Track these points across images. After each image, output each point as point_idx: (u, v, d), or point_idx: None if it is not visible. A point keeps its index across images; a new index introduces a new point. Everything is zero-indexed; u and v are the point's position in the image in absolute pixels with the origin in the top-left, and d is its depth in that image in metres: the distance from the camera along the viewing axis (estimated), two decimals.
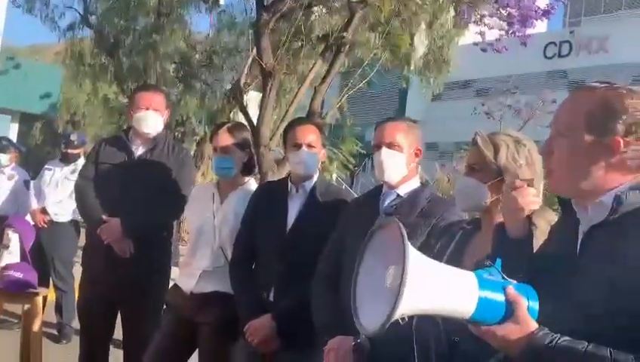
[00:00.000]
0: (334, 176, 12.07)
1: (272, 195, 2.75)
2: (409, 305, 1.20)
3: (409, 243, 1.21)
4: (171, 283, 3.18)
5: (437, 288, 1.26)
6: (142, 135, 3.21)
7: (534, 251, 1.55)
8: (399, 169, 2.34)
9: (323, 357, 2.26)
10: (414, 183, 2.39)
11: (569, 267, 1.41)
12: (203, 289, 2.82)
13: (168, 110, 3.37)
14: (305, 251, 2.52)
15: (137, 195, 3.07)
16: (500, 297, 1.29)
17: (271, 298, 2.59)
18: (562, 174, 1.41)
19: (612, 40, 19.32)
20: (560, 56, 20.75)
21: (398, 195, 2.35)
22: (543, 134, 1.49)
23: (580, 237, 1.42)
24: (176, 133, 10.54)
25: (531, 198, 1.49)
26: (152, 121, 3.18)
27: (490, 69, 17.22)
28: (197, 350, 2.86)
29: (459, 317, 1.30)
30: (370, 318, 1.29)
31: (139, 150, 3.22)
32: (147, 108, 3.17)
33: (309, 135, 2.65)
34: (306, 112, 6.65)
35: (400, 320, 1.21)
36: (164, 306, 3.12)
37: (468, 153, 2.01)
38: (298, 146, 2.63)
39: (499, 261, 1.35)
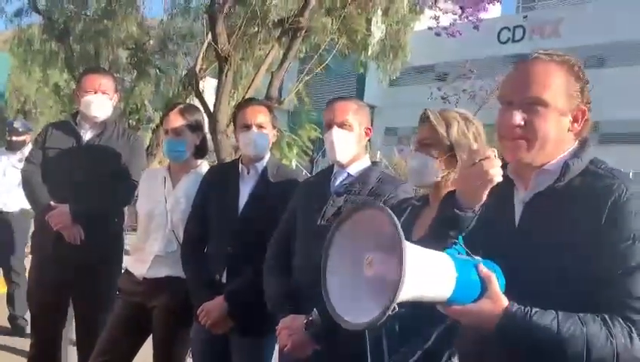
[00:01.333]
0: (294, 162, 12.02)
1: (223, 177, 2.73)
2: (402, 295, 1.17)
3: (402, 232, 1.18)
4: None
5: (424, 274, 1.24)
6: (90, 119, 3.14)
7: None
8: (350, 148, 2.34)
9: (276, 337, 2.27)
10: (365, 162, 2.40)
11: (508, 235, 1.43)
12: (156, 274, 2.78)
13: (118, 93, 3.30)
14: (257, 232, 2.51)
15: (86, 180, 3.01)
16: (474, 276, 1.30)
17: (223, 280, 2.58)
18: (542, 143, 1.38)
19: (564, 24, 19.74)
20: (514, 40, 21.11)
21: (349, 175, 2.36)
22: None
23: (521, 205, 1.44)
24: (131, 121, 10.33)
25: (499, 169, 1.48)
26: (100, 104, 3.11)
27: (446, 54, 17.40)
28: (151, 335, 2.84)
29: (438, 300, 1.28)
30: (351, 311, 1.25)
31: (87, 134, 3.15)
32: (95, 92, 3.10)
33: (259, 115, 2.63)
34: (264, 98, 6.60)
35: (390, 311, 1.17)
36: (117, 292, 3.07)
37: (418, 130, 2.01)
38: (248, 127, 2.61)
39: (460, 238, 1.35)
